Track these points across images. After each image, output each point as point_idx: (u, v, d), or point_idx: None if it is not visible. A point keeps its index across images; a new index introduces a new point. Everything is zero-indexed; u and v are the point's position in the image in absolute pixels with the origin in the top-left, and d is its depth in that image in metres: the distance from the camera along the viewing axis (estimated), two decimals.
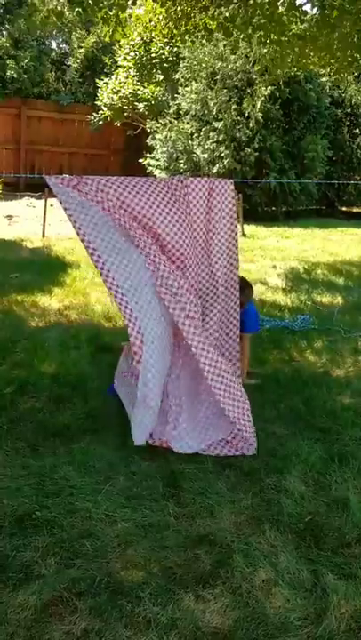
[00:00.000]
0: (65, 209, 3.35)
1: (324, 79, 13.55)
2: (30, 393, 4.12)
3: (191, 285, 3.70)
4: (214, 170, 12.65)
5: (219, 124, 12.53)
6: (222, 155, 12.54)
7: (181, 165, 13.13)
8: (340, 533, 2.86)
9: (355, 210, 15.41)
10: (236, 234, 3.96)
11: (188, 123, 13.23)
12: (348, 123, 13.78)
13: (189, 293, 3.57)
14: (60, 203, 3.37)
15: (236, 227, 3.97)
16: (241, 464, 3.40)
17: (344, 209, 15.21)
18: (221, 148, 12.55)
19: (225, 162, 12.49)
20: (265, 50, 8.11)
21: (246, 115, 12.38)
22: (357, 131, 13.70)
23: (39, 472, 3.19)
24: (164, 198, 3.64)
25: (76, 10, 5.81)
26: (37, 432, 3.61)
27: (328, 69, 8.26)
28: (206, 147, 12.77)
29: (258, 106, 12.25)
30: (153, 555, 2.65)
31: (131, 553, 2.66)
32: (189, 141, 13.08)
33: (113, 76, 14.96)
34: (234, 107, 12.44)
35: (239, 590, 2.49)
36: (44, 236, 9.82)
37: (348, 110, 13.83)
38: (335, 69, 8.28)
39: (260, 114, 12.25)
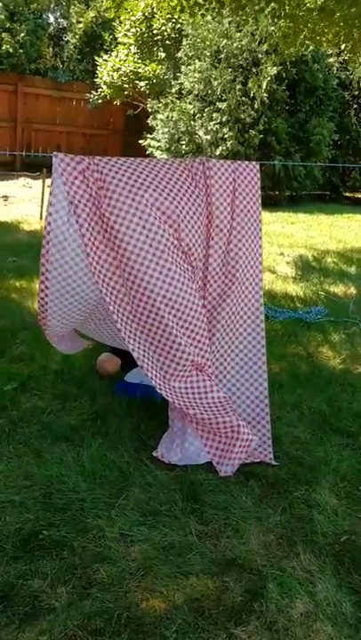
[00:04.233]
0: (67, 199, 3.00)
1: (331, 60, 13.13)
2: (32, 390, 3.80)
3: (198, 289, 3.39)
4: (217, 152, 12.25)
5: (223, 105, 12.09)
6: (226, 136, 12.13)
7: (183, 147, 12.71)
8: None
9: (359, 196, 15.06)
10: (260, 225, 3.63)
11: (190, 103, 12.78)
12: (355, 106, 13.39)
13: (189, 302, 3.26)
14: (66, 191, 3.00)
15: (260, 217, 3.64)
16: (266, 474, 3.10)
17: (348, 195, 14.85)
18: (225, 130, 12.14)
19: (228, 144, 12.09)
20: (276, 26, 7.72)
21: (251, 95, 11.96)
22: None
23: (45, 482, 2.88)
24: (184, 185, 3.30)
25: None
26: (42, 435, 3.30)
27: (343, 47, 7.86)
28: (209, 128, 12.34)
29: (263, 86, 11.82)
30: (176, 582, 2.36)
31: (151, 580, 2.36)
32: (192, 122, 12.64)
33: (113, 53, 14.45)
34: (238, 87, 12.00)
35: (275, 626, 2.20)
36: (41, 218, 9.44)
37: (356, 93, 13.42)
38: (350, 47, 7.89)
39: (265, 95, 11.83)
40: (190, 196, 3.30)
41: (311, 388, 4.09)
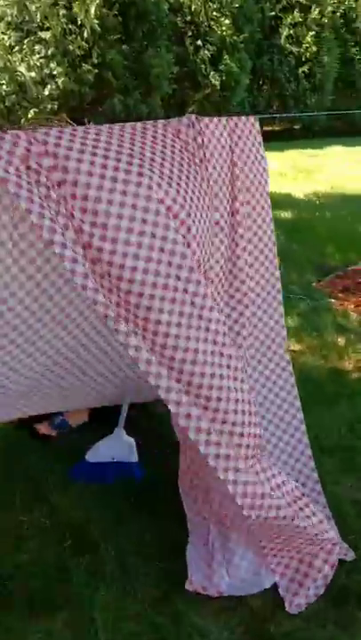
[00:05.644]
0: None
1: None
2: None
3: (217, 304, 2.22)
4: (46, 92, 10.49)
5: (46, 35, 10.28)
6: (54, 73, 10.39)
7: (3, 87, 10.72)
8: None
9: None
10: (267, 197, 2.50)
11: (4, 32, 10.72)
12: (190, 33, 12.21)
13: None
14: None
15: (267, 185, 2.50)
16: (353, 590, 2.12)
17: None
18: (52, 65, 10.38)
19: (59, 81, 10.38)
20: None
21: (79, 22, 10.27)
22: (200, 42, 12.20)
23: None
24: (183, 162, 2.05)
25: None
26: (5, 604, 1.98)
27: None
28: (32, 63, 10.48)
29: (92, 11, 10.19)
30: None
31: None
32: (9, 56, 10.65)
33: None
34: (63, 12, 10.23)
35: None
36: None
37: (188, 18, 12.22)
38: None
39: (95, 21, 10.22)
40: (194, 178, 2.08)
41: (324, 409, 3.14)
